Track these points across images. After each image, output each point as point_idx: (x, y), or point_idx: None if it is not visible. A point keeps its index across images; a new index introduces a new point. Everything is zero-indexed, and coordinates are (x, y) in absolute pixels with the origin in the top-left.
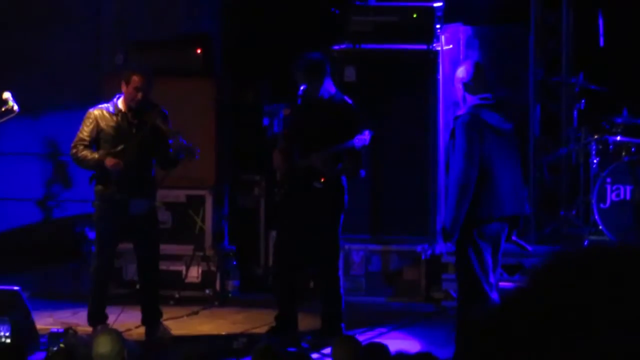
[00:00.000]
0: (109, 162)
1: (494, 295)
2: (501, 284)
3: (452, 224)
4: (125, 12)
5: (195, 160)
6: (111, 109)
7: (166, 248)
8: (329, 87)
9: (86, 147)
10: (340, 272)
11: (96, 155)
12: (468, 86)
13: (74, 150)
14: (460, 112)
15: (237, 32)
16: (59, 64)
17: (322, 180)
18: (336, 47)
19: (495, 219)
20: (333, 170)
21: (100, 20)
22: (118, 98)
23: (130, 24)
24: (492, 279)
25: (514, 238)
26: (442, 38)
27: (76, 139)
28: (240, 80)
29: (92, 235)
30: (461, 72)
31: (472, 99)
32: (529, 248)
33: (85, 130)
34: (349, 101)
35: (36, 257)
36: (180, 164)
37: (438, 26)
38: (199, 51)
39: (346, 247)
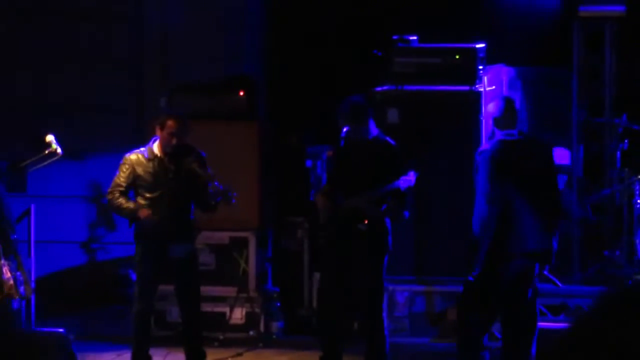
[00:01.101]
0: (142, 213)
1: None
2: (545, 324)
3: (474, 261)
4: (169, 54)
5: (233, 204)
6: (147, 154)
7: (210, 290)
8: (372, 129)
9: (122, 193)
10: (385, 313)
11: (131, 205)
12: (497, 121)
13: (110, 197)
14: (484, 147)
15: (281, 75)
16: (103, 106)
17: (366, 222)
18: (379, 89)
19: (517, 256)
20: (377, 212)
21: (144, 62)
22: (154, 142)
23: (173, 66)
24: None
25: (544, 272)
26: (485, 79)
27: (113, 184)
28: (284, 122)
29: (135, 277)
30: (492, 107)
31: (498, 134)
32: (560, 285)
33: (122, 176)
34: (392, 142)
35: (81, 299)
36: (217, 207)
37: (480, 67)
38: (242, 94)
39: (390, 288)
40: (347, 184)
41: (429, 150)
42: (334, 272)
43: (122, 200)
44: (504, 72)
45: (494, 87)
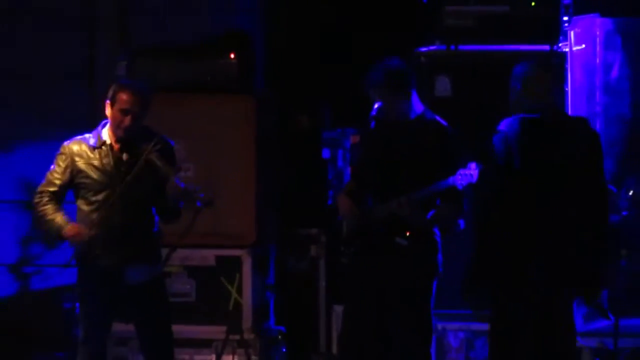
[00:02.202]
0: (69, 231)
1: None
2: None
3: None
4: (130, 6)
5: (200, 209)
6: (92, 141)
7: (188, 330)
8: (416, 105)
9: (54, 196)
10: None
11: (58, 218)
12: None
13: (37, 200)
14: (501, 125)
15: (286, 31)
16: (38, 79)
17: (408, 234)
18: (424, 50)
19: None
20: (423, 221)
21: (96, 18)
22: (103, 126)
23: (136, 20)
24: None
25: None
26: (572, 35)
27: (43, 182)
28: (291, 96)
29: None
30: (516, 73)
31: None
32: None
33: (57, 172)
34: (444, 123)
35: (11, 342)
36: (179, 214)
37: (566, 19)
38: (232, 57)
39: (440, 327)
40: (380, 181)
41: (493, 133)
42: (363, 305)
43: (49, 207)
44: (598, 24)
45: (584, 45)
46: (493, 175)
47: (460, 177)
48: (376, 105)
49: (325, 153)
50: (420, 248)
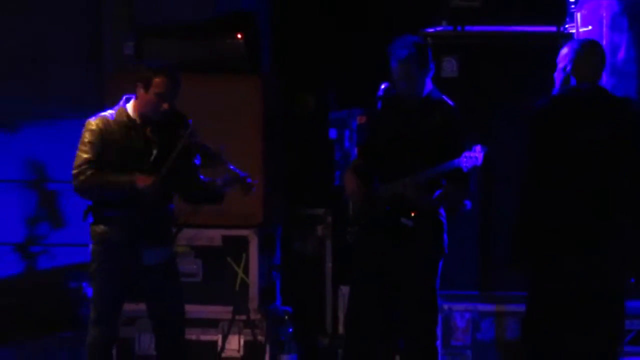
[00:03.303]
0: (141, 180)
1: None
2: None
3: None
4: None
5: (253, 194)
6: (117, 117)
7: (195, 310)
8: (427, 83)
9: (97, 167)
10: (439, 342)
11: (120, 176)
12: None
13: (82, 177)
14: (538, 103)
15: (294, 11)
16: (44, 56)
17: (413, 214)
18: (430, 30)
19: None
20: (428, 201)
21: None
22: (126, 103)
23: (142, 2)
24: None
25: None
26: (578, 16)
27: (78, 160)
28: (297, 77)
29: (91, 293)
30: (565, 52)
31: (562, 89)
32: None
33: (89, 148)
34: (450, 103)
35: (17, 323)
36: (223, 199)
37: (573, 0)
38: (239, 37)
39: (446, 307)
40: (387, 161)
41: (500, 115)
42: (368, 285)
43: (100, 174)
44: (605, 5)
45: (590, 27)
46: (530, 154)
47: (465, 159)
48: (383, 86)
49: (332, 133)
50: (425, 229)
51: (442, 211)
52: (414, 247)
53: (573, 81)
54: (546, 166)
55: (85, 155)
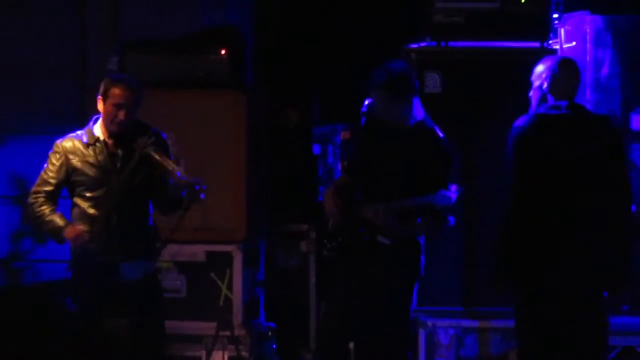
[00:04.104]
0: (70, 233)
1: None
2: None
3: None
4: (121, 0)
5: (203, 201)
6: (86, 138)
7: (179, 326)
8: (417, 111)
9: (49, 196)
10: None
11: (57, 219)
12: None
13: (33, 200)
14: (517, 122)
15: (277, 27)
16: (30, 71)
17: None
18: (413, 46)
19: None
20: (400, 231)
21: (88, 7)
22: (94, 122)
23: (127, 17)
24: None
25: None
26: (562, 32)
27: (38, 182)
28: (281, 92)
29: (73, 308)
30: (540, 70)
31: (542, 107)
32: None
33: (51, 170)
34: (441, 135)
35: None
36: (183, 204)
37: (556, 16)
38: (223, 53)
39: (430, 323)
40: (368, 181)
41: (483, 131)
42: (342, 301)
43: (44, 209)
44: (588, 21)
45: (574, 43)
46: (512, 173)
47: (439, 197)
48: (366, 102)
49: (316, 149)
50: (402, 249)
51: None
52: (390, 266)
53: (550, 99)
54: (530, 184)
55: (44, 177)
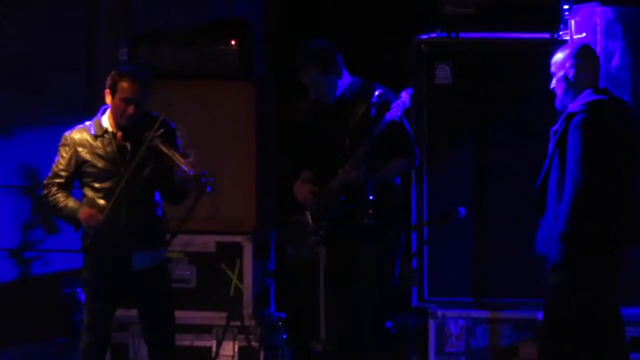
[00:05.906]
0: (83, 213)
1: None
2: None
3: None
4: None
5: (209, 194)
6: (94, 129)
7: (189, 316)
8: (345, 78)
9: (62, 186)
10: (433, 347)
11: (71, 203)
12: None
13: (46, 191)
14: (572, 109)
15: (287, 18)
16: (39, 63)
17: (371, 212)
18: (424, 37)
19: None
20: (374, 176)
21: (97, 3)
22: (102, 113)
23: (137, 6)
24: None
25: None
26: (572, 23)
27: (50, 175)
28: (290, 83)
29: (84, 298)
30: (560, 59)
31: (585, 94)
32: None
33: (61, 163)
34: (373, 85)
35: (11, 328)
36: (188, 196)
37: (566, 7)
38: (233, 44)
39: (439, 314)
40: (326, 165)
41: (494, 121)
42: (337, 287)
43: (59, 195)
44: (599, 13)
45: (584, 34)
46: (582, 160)
47: (394, 109)
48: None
49: None
50: (383, 228)
51: (401, 213)
52: (372, 242)
53: (577, 88)
54: (602, 170)
55: (55, 169)
